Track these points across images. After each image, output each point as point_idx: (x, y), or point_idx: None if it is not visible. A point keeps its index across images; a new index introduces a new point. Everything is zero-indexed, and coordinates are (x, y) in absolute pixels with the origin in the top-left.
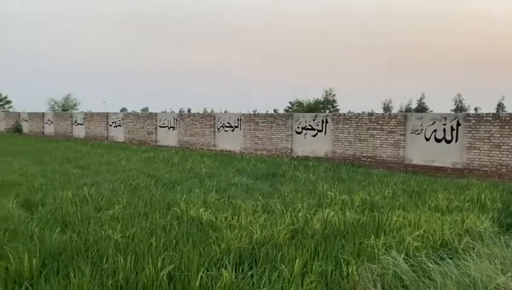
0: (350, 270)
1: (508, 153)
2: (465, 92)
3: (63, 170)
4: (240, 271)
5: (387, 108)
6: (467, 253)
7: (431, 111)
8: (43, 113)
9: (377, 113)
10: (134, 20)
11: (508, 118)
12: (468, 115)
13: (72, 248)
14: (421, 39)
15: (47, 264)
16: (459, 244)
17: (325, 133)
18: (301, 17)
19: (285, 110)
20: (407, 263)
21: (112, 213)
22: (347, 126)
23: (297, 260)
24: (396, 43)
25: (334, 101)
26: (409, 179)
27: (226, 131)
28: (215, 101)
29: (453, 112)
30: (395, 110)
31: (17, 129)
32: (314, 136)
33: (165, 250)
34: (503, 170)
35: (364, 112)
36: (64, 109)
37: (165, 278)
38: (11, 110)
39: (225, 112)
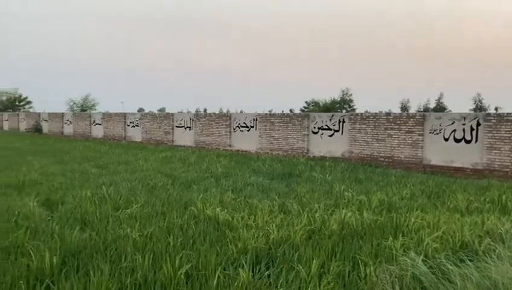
0: (368, 271)
1: None
2: (485, 92)
3: (82, 169)
4: (257, 271)
5: (404, 108)
6: (487, 255)
7: (450, 111)
8: (62, 113)
9: (394, 113)
10: (150, 21)
11: None
12: (489, 114)
13: (91, 246)
14: (439, 39)
15: (67, 262)
16: (480, 246)
17: (342, 133)
18: (317, 17)
19: (301, 110)
20: (426, 265)
21: (130, 212)
22: (364, 126)
23: (314, 261)
24: (413, 43)
25: (351, 100)
26: (427, 180)
27: (242, 131)
28: (231, 101)
29: (472, 112)
30: (412, 109)
31: (37, 129)
32: (330, 136)
33: (183, 249)
34: None
35: (382, 112)
36: (83, 109)
37: (182, 277)
38: (31, 110)
39: (241, 112)
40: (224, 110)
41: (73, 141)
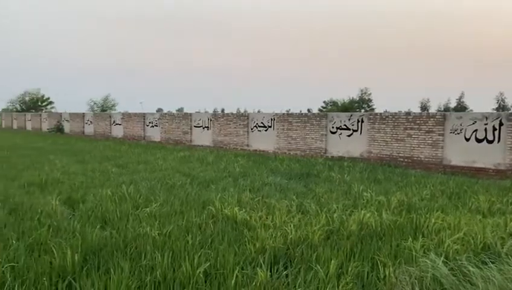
0: (387, 273)
1: None
2: (509, 91)
3: (103, 169)
4: (275, 271)
5: (424, 107)
6: (510, 257)
7: (471, 110)
8: (83, 113)
9: (414, 113)
10: (167, 23)
11: None
12: None
13: (111, 244)
14: (461, 37)
15: (88, 260)
16: (502, 248)
17: (361, 133)
18: (336, 16)
19: (319, 110)
20: (446, 267)
21: (150, 211)
22: (383, 126)
23: (332, 261)
24: (434, 42)
25: (370, 100)
26: (447, 180)
27: (260, 131)
28: (248, 101)
29: (495, 111)
30: (432, 109)
31: (59, 129)
32: (349, 136)
33: (201, 248)
34: None
35: (401, 112)
36: (103, 109)
37: (201, 275)
38: (53, 110)
39: (258, 111)
40: (242, 110)
41: (94, 140)
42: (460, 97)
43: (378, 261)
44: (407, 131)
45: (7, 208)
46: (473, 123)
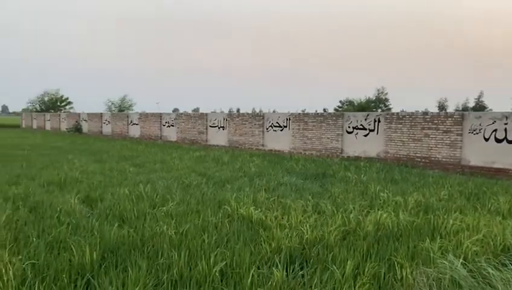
0: (404, 274)
1: None
2: None
3: (120, 168)
4: (291, 271)
5: (442, 107)
6: None
7: (490, 110)
8: (101, 113)
9: (432, 112)
10: (185, 24)
11: None
12: None
13: (129, 242)
14: (479, 38)
15: (106, 258)
16: None
17: (377, 133)
18: (355, 16)
19: (335, 110)
20: (465, 268)
21: (166, 210)
22: (400, 126)
23: (349, 261)
24: (452, 42)
25: (387, 100)
26: (466, 181)
27: (275, 131)
28: (264, 100)
29: None
30: (450, 109)
31: (77, 129)
32: (365, 136)
33: (217, 247)
34: None
35: (418, 111)
36: (121, 109)
37: (217, 274)
38: (71, 110)
39: (273, 111)
40: (257, 110)
41: (112, 140)
42: (479, 97)
43: (395, 262)
44: (424, 131)
45: (28, 207)
46: (493, 123)
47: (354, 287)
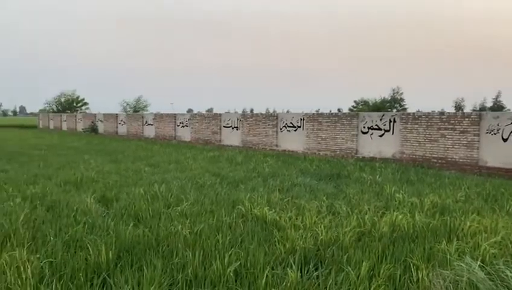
0: (420, 276)
1: None
2: None
3: (135, 168)
4: (305, 271)
5: (459, 107)
6: None
7: (508, 110)
8: (116, 114)
9: (448, 113)
10: (198, 25)
11: None
12: None
13: (144, 242)
14: (497, 38)
15: (122, 257)
16: None
17: (393, 133)
18: (373, 15)
19: (350, 110)
20: (483, 271)
21: (181, 209)
22: (416, 126)
23: (364, 263)
24: (471, 42)
25: (402, 99)
26: (483, 182)
27: (289, 131)
28: (278, 100)
29: None
30: (467, 109)
31: (93, 129)
32: (381, 136)
33: (231, 247)
34: None
35: (435, 111)
36: (136, 110)
37: (231, 274)
38: (87, 111)
39: (287, 111)
40: (271, 110)
41: (127, 140)
42: (497, 96)
43: (411, 264)
44: (440, 131)
45: (45, 206)
46: (511, 123)
47: (369, 289)
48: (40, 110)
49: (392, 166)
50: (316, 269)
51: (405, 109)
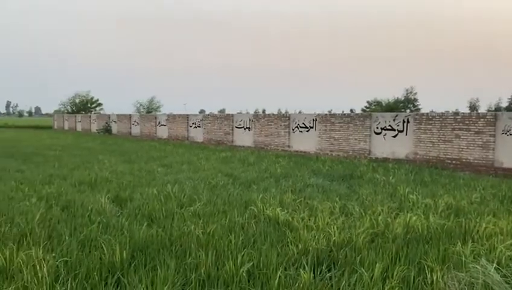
0: (435, 278)
1: None
2: None
3: (149, 168)
4: (318, 272)
5: (473, 107)
6: None
7: None
8: (130, 115)
9: (463, 113)
10: (209, 25)
11: None
12: None
13: (157, 242)
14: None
15: (135, 257)
16: None
17: (406, 134)
18: (385, 15)
19: (363, 110)
20: (498, 273)
21: (194, 210)
22: (430, 126)
23: (377, 264)
24: (484, 43)
25: (416, 100)
26: (499, 184)
27: (301, 132)
28: (290, 101)
29: None
30: (482, 109)
31: (107, 130)
32: (394, 137)
33: (244, 248)
34: None
35: (449, 112)
36: (149, 111)
37: (244, 274)
38: (101, 112)
39: (299, 112)
40: (283, 111)
41: (140, 141)
42: None
43: (425, 266)
44: (455, 132)
45: (60, 205)
46: None
47: None
48: (55, 111)
49: (405, 167)
50: (329, 270)
51: (418, 109)
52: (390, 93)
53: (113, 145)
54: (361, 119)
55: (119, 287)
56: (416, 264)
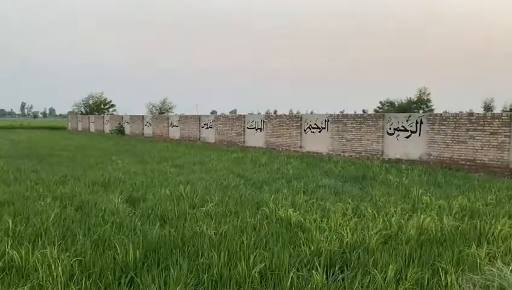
0: (449, 280)
1: None
2: None
3: (161, 169)
4: (331, 274)
5: (488, 108)
6: None
7: None
8: (142, 116)
9: (477, 113)
10: (219, 27)
11: None
12: None
13: (170, 242)
14: None
15: (148, 257)
16: None
17: (420, 135)
18: (397, 17)
19: (375, 111)
20: None
21: (206, 210)
22: (444, 127)
23: (390, 266)
24: (498, 42)
25: (429, 100)
26: None
27: (313, 132)
28: (302, 101)
29: None
30: (497, 109)
31: (120, 131)
32: (407, 137)
33: (256, 248)
34: None
35: (463, 112)
36: (161, 112)
37: (256, 275)
38: (114, 113)
39: (311, 113)
40: (295, 112)
41: (153, 141)
42: None
43: (440, 268)
44: (469, 132)
45: (74, 206)
46: None
47: None
48: (69, 112)
49: (418, 168)
50: (342, 272)
51: (432, 109)
52: (403, 93)
53: (126, 146)
54: (374, 119)
55: (132, 287)
56: (430, 266)
